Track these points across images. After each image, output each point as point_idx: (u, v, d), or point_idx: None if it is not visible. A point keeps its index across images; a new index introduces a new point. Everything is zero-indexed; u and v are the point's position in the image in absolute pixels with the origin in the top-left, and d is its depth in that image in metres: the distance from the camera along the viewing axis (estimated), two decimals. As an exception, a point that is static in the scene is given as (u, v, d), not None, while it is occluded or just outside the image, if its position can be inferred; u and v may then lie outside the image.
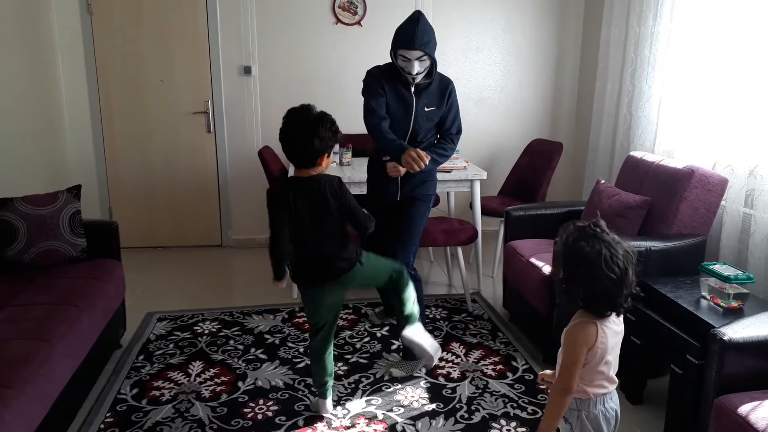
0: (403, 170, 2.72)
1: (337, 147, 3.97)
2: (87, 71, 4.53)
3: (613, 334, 1.67)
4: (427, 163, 2.65)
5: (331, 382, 2.52)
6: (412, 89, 2.78)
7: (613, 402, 1.73)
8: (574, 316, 1.70)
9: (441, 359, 3.01)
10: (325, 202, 2.22)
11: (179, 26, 4.57)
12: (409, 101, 2.79)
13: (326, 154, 2.23)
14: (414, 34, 2.63)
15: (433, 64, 2.74)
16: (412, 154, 2.61)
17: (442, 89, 2.85)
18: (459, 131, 2.94)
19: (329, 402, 2.54)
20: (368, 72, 2.85)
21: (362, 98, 2.82)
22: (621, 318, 1.70)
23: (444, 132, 2.91)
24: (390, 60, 2.78)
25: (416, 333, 2.52)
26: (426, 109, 2.81)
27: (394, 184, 2.90)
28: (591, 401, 1.69)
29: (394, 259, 2.72)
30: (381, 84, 2.77)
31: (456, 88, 2.92)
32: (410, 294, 2.53)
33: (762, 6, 2.87)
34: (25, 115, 3.85)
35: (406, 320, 2.53)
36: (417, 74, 2.70)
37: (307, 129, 2.15)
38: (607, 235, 1.61)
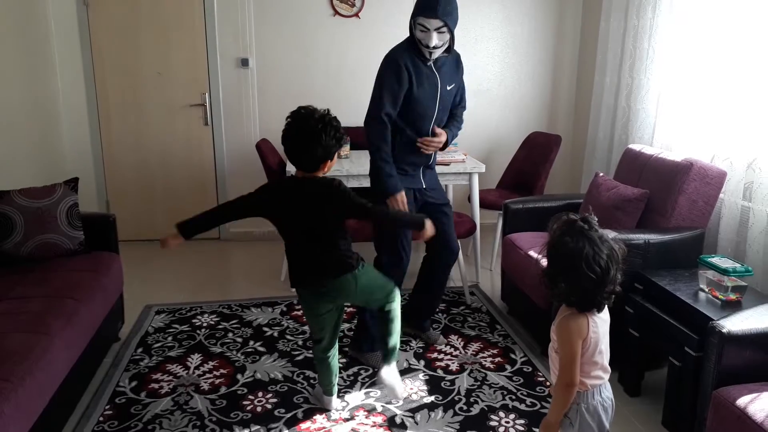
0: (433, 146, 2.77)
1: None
2: (83, 63, 4.50)
3: (602, 322, 1.69)
4: (443, 139, 2.77)
5: (336, 380, 2.52)
6: (433, 68, 2.67)
7: (608, 391, 1.75)
8: (560, 310, 1.71)
9: (440, 351, 3.02)
10: (323, 202, 2.17)
11: (176, 18, 4.54)
12: (435, 81, 2.68)
13: (330, 159, 2.19)
14: (437, 1, 2.48)
15: (452, 39, 2.63)
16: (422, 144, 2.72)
17: (455, 63, 2.79)
18: (465, 106, 2.96)
19: (335, 398, 2.53)
20: (389, 57, 2.64)
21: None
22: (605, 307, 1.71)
23: (455, 106, 2.91)
24: (409, 36, 2.66)
25: (392, 374, 2.39)
26: (447, 88, 2.74)
27: (419, 171, 2.85)
28: (589, 392, 1.70)
29: (453, 246, 2.94)
30: (406, 71, 2.58)
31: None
32: (397, 325, 2.41)
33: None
34: (21, 107, 3.83)
35: (388, 355, 2.40)
36: (434, 48, 2.56)
37: (310, 137, 2.09)
38: (595, 232, 1.60)
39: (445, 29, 2.54)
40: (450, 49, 2.69)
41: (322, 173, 2.22)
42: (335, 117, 2.18)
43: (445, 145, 2.83)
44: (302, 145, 2.11)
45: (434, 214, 2.81)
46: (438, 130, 2.76)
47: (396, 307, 2.39)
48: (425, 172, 2.88)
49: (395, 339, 2.41)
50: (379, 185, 2.69)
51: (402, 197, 2.69)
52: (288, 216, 2.22)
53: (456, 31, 2.62)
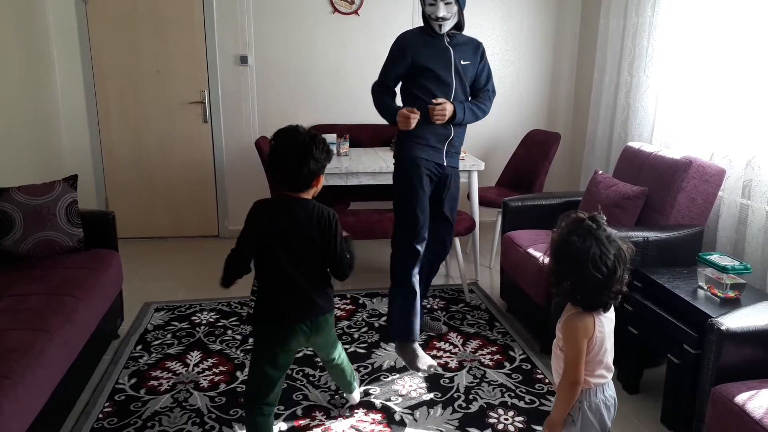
0: (413, 121, 2.77)
1: (334, 137, 4.00)
2: (82, 60, 4.50)
3: (608, 321, 1.69)
4: (448, 109, 2.77)
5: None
6: (446, 43, 2.82)
7: (611, 390, 1.74)
8: (566, 308, 1.70)
9: (439, 348, 3.02)
10: (314, 230, 2.05)
11: (175, 15, 4.54)
12: (447, 53, 2.83)
13: (321, 175, 2.10)
14: None
15: (461, 14, 2.80)
16: (409, 112, 2.74)
17: (474, 46, 2.93)
18: (494, 91, 3.03)
19: None
20: (397, 37, 2.89)
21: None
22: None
23: (480, 89, 2.98)
24: (422, 20, 2.85)
25: (357, 398, 2.56)
26: (462, 63, 2.87)
27: (442, 147, 2.91)
28: (591, 391, 1.70)
29: (447, 221, 3.00)
30: (408, 47, 2.81)
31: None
32: (349, 366, 2.47)
33: (761, -4, 2.87)
34: (20, 105, 3.82)
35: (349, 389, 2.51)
36: (443, 19, 2.73)
37: (301, 151, 2.01)
38: (603, 231, 1.59)
39: (451, 0, 2.72)
40: (461, 27, 2.85)
41: (312, 192, 2.11)
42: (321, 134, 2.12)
43: (455, 116, 2.83)
44: (293, 160, 2.02)
45: (437, 213, 2.95)
46: (439, 99, 2.81)
47: (346, 359, 2.43)
48: (449, 151, 2.93)
49: (352, 376, 2.49)
50: (388, 112, 2.85)
51: (406, 110, 2.77)
52: (274, 237, 2.06)
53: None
